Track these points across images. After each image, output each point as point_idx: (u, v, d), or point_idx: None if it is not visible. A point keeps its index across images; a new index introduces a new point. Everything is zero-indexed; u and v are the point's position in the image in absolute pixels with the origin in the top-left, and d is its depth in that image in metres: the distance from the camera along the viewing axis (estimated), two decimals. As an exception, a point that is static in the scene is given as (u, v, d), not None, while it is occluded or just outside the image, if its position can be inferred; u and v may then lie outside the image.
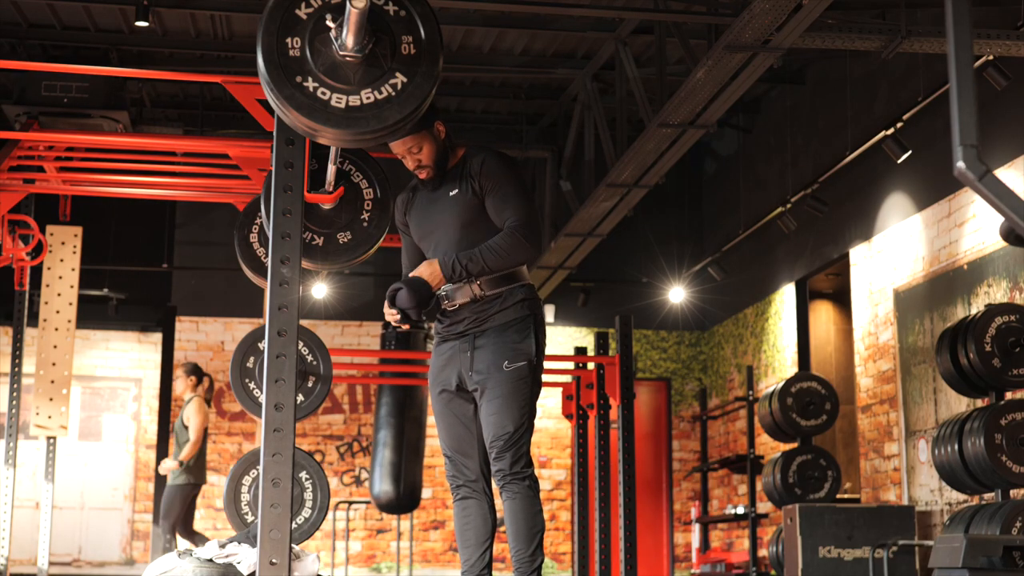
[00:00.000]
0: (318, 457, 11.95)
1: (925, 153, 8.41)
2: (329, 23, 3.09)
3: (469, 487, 3.78)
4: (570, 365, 8.34)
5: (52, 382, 9.19)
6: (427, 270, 3.67)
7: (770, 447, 10.61)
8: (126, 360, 12.30)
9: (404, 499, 9.14)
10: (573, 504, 12.12)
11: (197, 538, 8.47)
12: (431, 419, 10.18)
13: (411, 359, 8.85)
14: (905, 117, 8.12)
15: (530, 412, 3.72)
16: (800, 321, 10.72)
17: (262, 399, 3.75)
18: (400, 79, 3.15)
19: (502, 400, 3.66)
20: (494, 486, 3.77)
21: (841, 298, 10.82)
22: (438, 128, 3.72)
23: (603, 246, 11.04)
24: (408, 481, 9.13)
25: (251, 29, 8.98)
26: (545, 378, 8.36)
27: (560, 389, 8.20)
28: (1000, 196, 2.82)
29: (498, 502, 4.86)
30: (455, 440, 3.79)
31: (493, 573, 3.81)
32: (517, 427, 3.66)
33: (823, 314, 11.20)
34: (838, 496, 8.95)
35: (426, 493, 11.76)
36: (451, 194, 3.75)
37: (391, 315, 3.71)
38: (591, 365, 7.77)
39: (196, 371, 8.87)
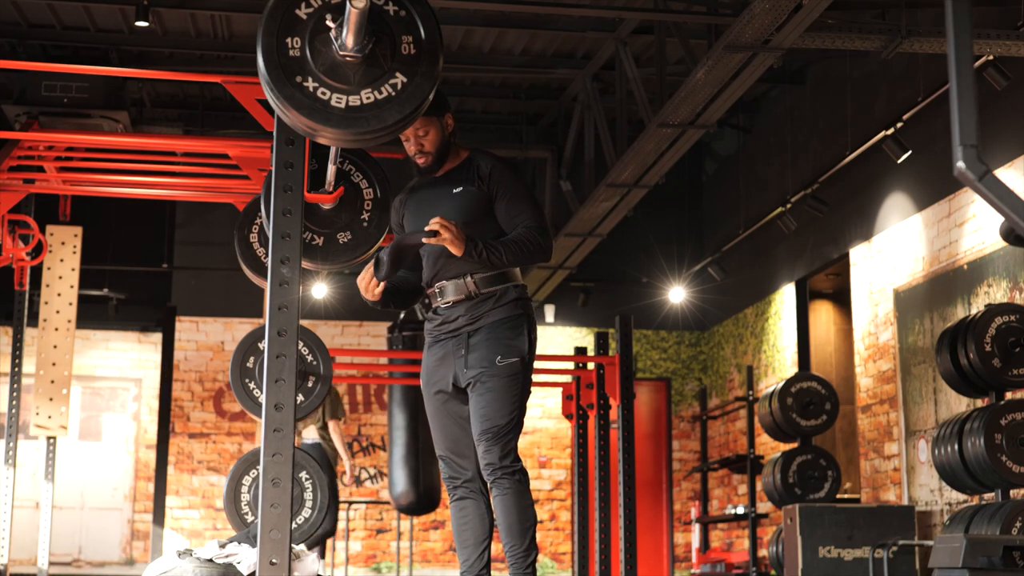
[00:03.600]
0: (318, 457, 11.95)
1: (925, 153, 8.41)
2: (329, 23, 3.09)
3: (466, 487, 3.78)
4: (570, 365, 8.34)
5: (52, 382, 9.19)
6: (454, 228, 3.57)
7: (770, 447, 10.61)
8: (126, 360, 12.30)
9: (424, 500, 9.23)
10: (573, 504, 12.12)
11: None
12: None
13: (419, 360, 8.85)
14: (905, 117, 8.12)
15: (520, 409, 3.72)
16: (800, 321, 10.72)
17: (262, 399, 3.75)
18: (400, 79, 3.15)
19: (494, 394, 3.67)
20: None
21: (841, 298, 10.82)
22: (447, 120, 3.76)
23: (603, 246, 11.04)
24: (427, 483, 9.19)
25: (251, 29, 8.98)
26: (545, 378, 8.44)
27: (560, 389, 8.20)
28: (1000, 196, 2.82)
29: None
30: (451, 441, 3.80)
31: (492, 573, 3.80)
32: (507, 421, 3.67)
33: (823, 314, 11.20)
34: (838, 496, 8.95)
35: (426, 493, 11.76)
36: (455, 191, 3.76)
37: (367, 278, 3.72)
38: (591, 365, 7.77)
39: None
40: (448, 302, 3.76)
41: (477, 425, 3.69)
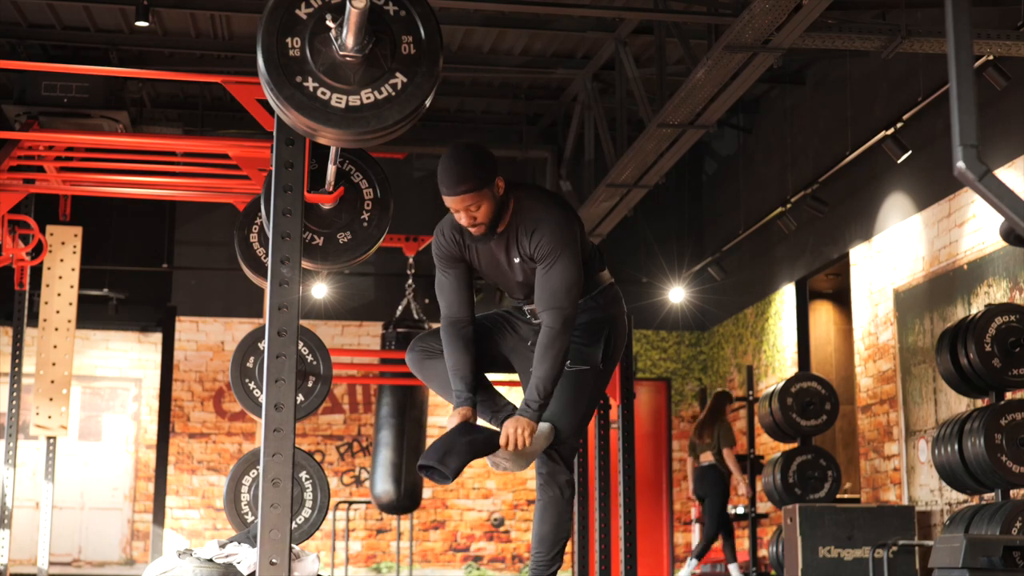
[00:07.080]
0: (318, 457, 11.95)
1: (925, 153, 8.41)
2: (329, 23, 3.09)
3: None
4: (570, 365, 8.31)
5: (52, 382, 9.19)
6: (514, 426, 3.55)
7: (770, 447, 10.61)
8: (126, 360, 12.30)
9: (404, 500, 9.15)
10: (573, 504, 12.12)
11: None
12: (431, 419, 10.19)
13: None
14: (905, 117, 8.12)
15: (582, 417, 3.70)
16: (800, 321, 10.72)
17: (262, 399, 3.75)
18: (400, 79, 3.15)
19: (555, 402, 3.65)
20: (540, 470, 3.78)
21: (841, 298, 10.82)
22: (498, 184, 3.56)
23: (603, 246, 11.03)
24: (409, 481, 9.14)
25: (251, 29, 8.98)
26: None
27: (560, 389, 8.18)
28: (1000, 196, 2.83)
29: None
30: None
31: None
32: (564, 433, 3.66)
33: (823, 314, 11.19)
34: (838, 496, 8.95)
35: (426, 493, 11.76)
36: (515, 261, 3.67)
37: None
38: (591, 365, 7.76)
39: None
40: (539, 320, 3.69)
41: None
